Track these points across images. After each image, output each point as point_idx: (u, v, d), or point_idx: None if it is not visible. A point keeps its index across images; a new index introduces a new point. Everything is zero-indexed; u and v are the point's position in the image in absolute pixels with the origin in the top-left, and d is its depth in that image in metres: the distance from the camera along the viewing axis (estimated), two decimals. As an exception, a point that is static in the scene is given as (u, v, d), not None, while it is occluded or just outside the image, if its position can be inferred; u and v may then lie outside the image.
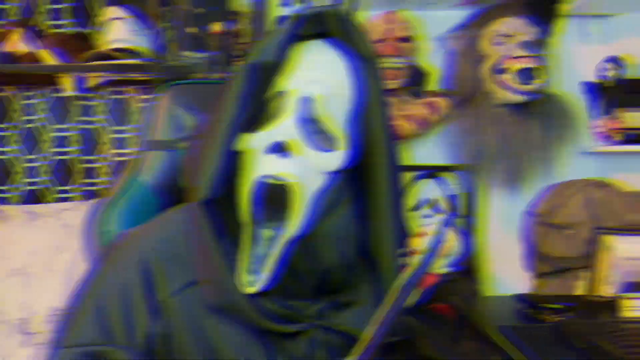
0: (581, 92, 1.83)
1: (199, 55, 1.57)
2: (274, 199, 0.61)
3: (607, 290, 1.52)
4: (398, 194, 0.68)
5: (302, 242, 0.64)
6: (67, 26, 1.81)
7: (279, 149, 0.61)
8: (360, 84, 0.66)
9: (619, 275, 1.51)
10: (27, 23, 1.72)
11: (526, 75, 1.57)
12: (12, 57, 1.60)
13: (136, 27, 1.64)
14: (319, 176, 0.64)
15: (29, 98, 1.83)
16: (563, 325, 1.27)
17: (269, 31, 0.74)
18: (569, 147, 1.81)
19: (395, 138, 0.67)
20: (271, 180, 0.61)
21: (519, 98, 1.60)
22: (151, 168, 0.94)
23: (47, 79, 1.74)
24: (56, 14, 1.82)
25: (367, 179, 0.66)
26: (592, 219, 1.58)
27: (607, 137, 1.70)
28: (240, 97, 0.64)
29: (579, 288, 1.59)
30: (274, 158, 0.61)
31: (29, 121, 1.83)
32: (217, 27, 1.50)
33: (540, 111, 1.68)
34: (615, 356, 1.08)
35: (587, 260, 1.56)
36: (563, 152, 1.81)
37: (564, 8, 1.68)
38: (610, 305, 1.43)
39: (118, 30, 1.62)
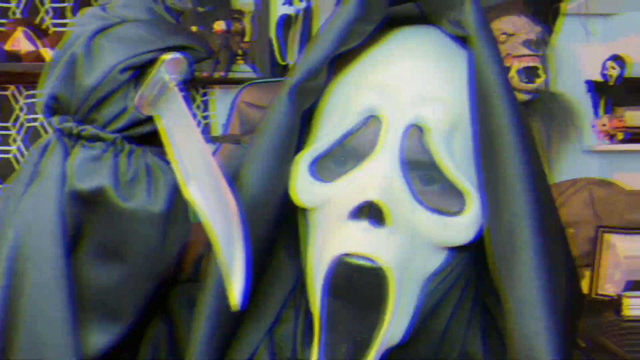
0: (583, 91, 1.83)
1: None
2: (359, 289, 0.39)
3: (609, 289, 1.52)
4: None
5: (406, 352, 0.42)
6: (69, 25, 1.81)
7: (370, 213, 0.38)
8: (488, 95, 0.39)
9: (621, 273, 1.51)
10: (29, 21, 1.73)
11: (528, 73, 1.56)
12: (15, 56, 1.59)
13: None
14: (433, 254, 0.41)
15: (31, 97, 1.83)
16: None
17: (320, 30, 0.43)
18: (572, 145, 1.81)
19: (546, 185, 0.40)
20: (357, 262, 0.38)
21: (522, 97, 1.59)
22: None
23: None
24: (58, 13, 1.82)
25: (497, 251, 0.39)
26: (594, 217, 1.58)
27: (610, 136, 1.70)
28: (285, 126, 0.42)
29: (581, 287, 1.59)
30: (361, 226, 0.38)
31: (32, 119, 1.83)
32: (219, 26, 1.50)
33: (543, 110, 1.68)
34: (617, 355, 1.08)
35: (589, 259, 1.57)
36: (565, 150, 1.81)
37: (566, 7, 1.67)
38: (612, 304, 1.43)
39: (120, 29, 1.61)
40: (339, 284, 0.39)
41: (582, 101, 1.80)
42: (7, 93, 1.83)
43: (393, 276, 0.38)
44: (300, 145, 0.44)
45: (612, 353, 1.11)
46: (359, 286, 0.39)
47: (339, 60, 0.42)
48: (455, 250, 0.41)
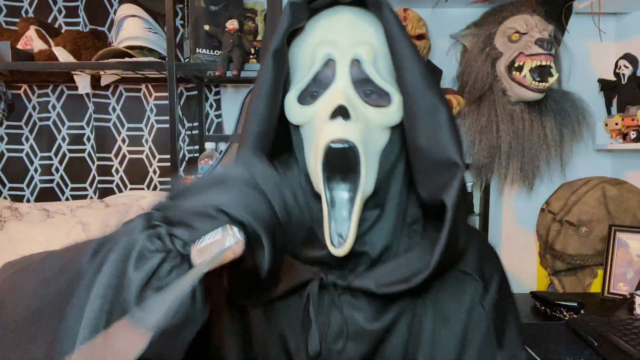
0: (595, 89, 1.83)
1: (213, 53, 1.57)
2: (343, 162, 0.61)
3: (621, 287, 1.52)
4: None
5: (373, 201, 0.65)
6: (80, 24, 1.81)
7: (341, 112, 0.60)
8: (393, 38, 0.65)
9: (633, 272, 1.52)
10: (41, 21, 1.73)
11: (541, 72, 1.56)
12: (26, 55, 1.59)
13: (150, 25, 1.64)
14: (382, 132, 0.65)
15: (42, 95, 1.83)
16: (577, 322, 1.27)
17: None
18: (584, 144, 1.81)
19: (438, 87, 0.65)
20: (339, 145, 0.60)
21: (534, 95, 1.59)
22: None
23: (61, 77, 1.74)
24: (70, 12, 1.82)
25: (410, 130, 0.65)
26: (607, 216, 1.58)
27: (622, 135, 1.69)
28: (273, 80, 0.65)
29: (594, 285, 1.60)
30: (337, 122, 0.60)
31: (43, 118, 1.83)
32: (231, 24, 1.50)
33: (555, 109, 1.68)
34: (629, 353, 1.09)
35: (601, 258, 1.57)
36: (577, 149, 1.81)
37: (578, 6, 1.67)
38: (624, 302, 1.44)
39: (132, 28, 1.61)
40: (330, 161, 0.61)
41: (593, 100, 1.81)
42: (19, 92, 1.83)
43: (361, 150, 0.61)
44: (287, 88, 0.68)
45: (623, 351, 1.11)
46: (343, 160, 0.61)
47: (295, 32, 0.67)
48: (393, 129, 0.66)
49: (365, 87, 0.64)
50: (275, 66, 0.65)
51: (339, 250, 0.61)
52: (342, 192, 0.63)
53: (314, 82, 0.65)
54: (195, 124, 1.82)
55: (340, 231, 0.63)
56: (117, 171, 1.86)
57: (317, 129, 0.63)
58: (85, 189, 1.86)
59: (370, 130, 0.63)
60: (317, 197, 0.65)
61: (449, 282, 0.66)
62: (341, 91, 0.62)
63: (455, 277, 0.67)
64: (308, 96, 0.66)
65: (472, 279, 0.67)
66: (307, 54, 0.66)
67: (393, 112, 0.65)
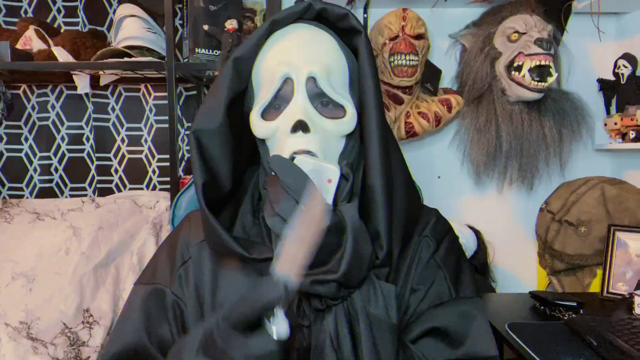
0: (594, 89, 1.83)
1: (212, 52, 1.57)
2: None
3: (620, 287, 1.52)
4: (394, 151, 0.76)
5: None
6: (80, 24, 1.81)
7: (301, 127, 0.69)
8: (351, 55, 0.77)
9: (632, 272, 1.52)
10: (40, 20, 1.73)
11: (540, 72, 1.56)
12: (26, 55, 1.59)
13: (149, 25, 1.64)
14: (339, 140, 0.74)
15: (42, 95, 1.83)
16: (577, 322, 1.27)
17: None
18: (583, 144, 1.81)
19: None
20: (301, 156, 0.67)
21: (533, 95, 1.59)
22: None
23: (60, 77, 1.74)
24: (69, 12, 1.82)
25: (363, 138, 0.74)
26: (606, 216, 1.58)
27: (621, 135, 1.69)
28: (229, 90, 0.73)
29: (593, 285, 1.60)
30: (298, 136, 0.69)
31: (42, 118, 1.83)
32: (231, 24, 1.50)
33: (554, 108, 1.68)
34: (628, 353, 1.08)
35: (600, 258, 1.57)
36: (577, 149, 1.81)
37: (578, 5, 1.67)
38: (623, 302, 1.43)
39: (131, 28, 1.61)
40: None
41: (593, 100, 1.81)
42: (18, 92, 1.83)
43: (320, 156, 0.69)
44: (245, 102, 0.79)
45: (622, 351, 1.10)
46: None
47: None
48: (347, 137, 0.75)
49: (321, 98, 0.73)
50: (233, 73, 0.73)
51: None
52: None
53: (276, 99, 0.73)
54: (195, 123, 1.82)
55: None
56: (116, 171, 1.86)
57: (280, 142, 0.71)
58: (84, 188, 1.86)
59: (327, 139, 0.72)
60: None
61: (410, 247, 0.78)
62: (300, 107, 0.70)
63: (415, 241, 0.79)
64: (272, 108, 0.73)
65: (427, 239, 0.80)
66: (268, 73, 0.74)
67: (347, 123, 0.74)
